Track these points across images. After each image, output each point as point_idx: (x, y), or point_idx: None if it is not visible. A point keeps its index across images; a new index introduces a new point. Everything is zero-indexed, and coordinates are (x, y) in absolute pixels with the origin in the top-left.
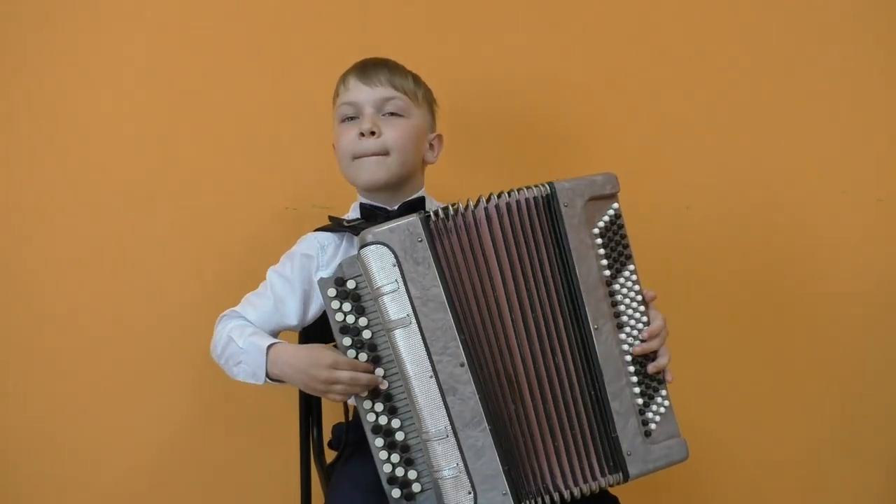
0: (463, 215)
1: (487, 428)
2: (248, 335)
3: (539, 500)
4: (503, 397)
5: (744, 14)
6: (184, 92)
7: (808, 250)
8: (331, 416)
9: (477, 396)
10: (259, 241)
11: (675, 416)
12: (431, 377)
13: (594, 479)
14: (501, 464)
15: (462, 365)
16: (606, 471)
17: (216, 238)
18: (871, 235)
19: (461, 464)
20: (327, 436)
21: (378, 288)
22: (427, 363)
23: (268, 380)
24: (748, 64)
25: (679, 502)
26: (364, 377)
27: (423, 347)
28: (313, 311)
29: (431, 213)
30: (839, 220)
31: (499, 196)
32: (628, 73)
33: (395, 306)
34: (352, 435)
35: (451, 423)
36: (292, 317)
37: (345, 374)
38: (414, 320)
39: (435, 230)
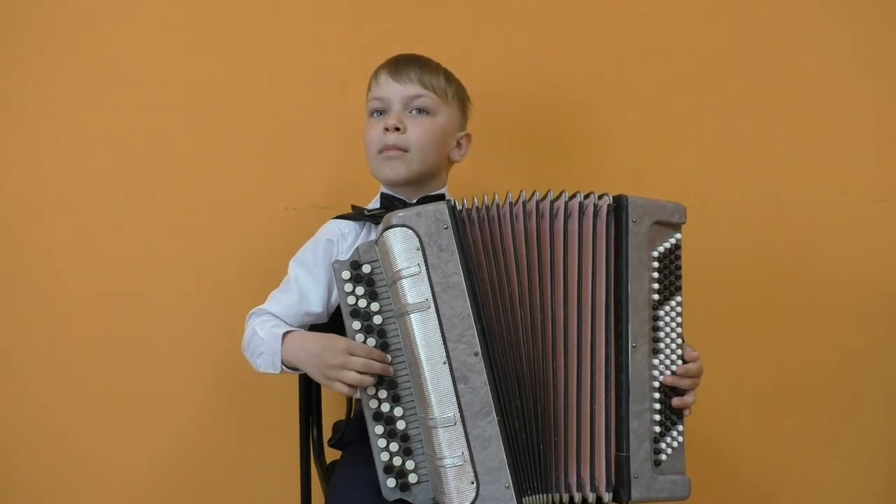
0: (488, 209)
1: (496, 419)
2: (270, 327)
3: (541, 497)
4: (512, 391)
5: (744, 15)
6: (184, 92)
7: (808, 250)
8: (331, 416)
9: (488, 386)
10: (259, 242)
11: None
12: (445, 363)
13: (594, 490)
14: (507, 456)
15: (476, 354)
16: (610, 486)
17: (216, 238)
18: (871, 235)
19: (466, 453)
20: (327, 435)
21: (398, 271)
22: (441, 349)
23: (284, 368)
24: (748, 64)
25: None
26: (377, 365)
27: (438, 333)
28: (336, 297)
29: (457, 203)
30: (839, 220)
31: (558, 196)
32: (629, 74)
33: (414, 290)
34: (353, 433)
35: (460, 411)
36: (317, 304)
37: (358, 361)
38: (432, 305)
39: (461, 219)
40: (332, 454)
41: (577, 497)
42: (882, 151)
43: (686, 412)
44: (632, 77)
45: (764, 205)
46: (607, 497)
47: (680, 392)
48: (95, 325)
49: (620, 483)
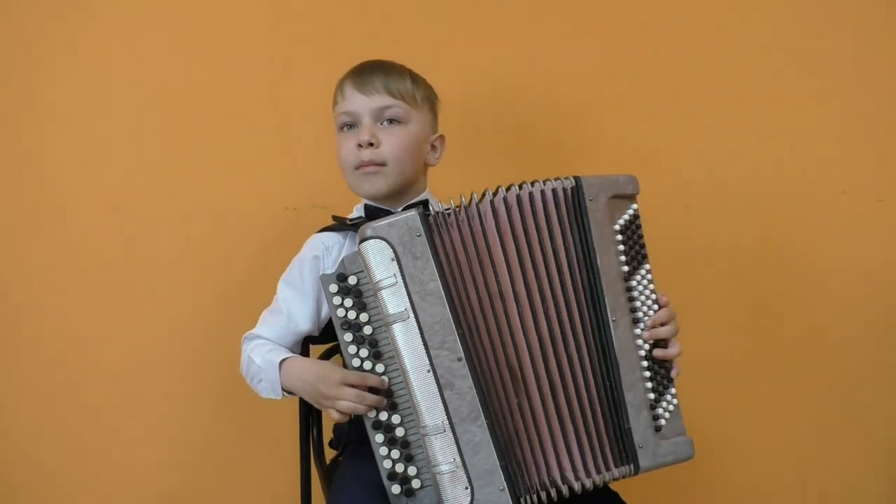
0: (467, 209)
1: (485, 423)
2: (265, 353)
3: (540, 494)
4: (504, 391)
5: (744, 14)
6: (183, 92)
7: (808, 250)
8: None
9: (474, 391)
10: (259, 242)
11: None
12: (429, 371)
13: (606, 470)
14: (499, 459)
15: (459, 359)
16: (619, 462)
17: (216, 238)
18: (871, 235)
19: (458, 458)
20: (327, 436)
21: (377, 282)
22: (425, 357)
23: (285, 393)
24: (748, 63)
25: (678, 500)
26: (371, 398)
27: (420, 342)
28: (325, 313)
29: (431, 209)
30: (839, 220)
31: (520, 186)
32: (628, 72)
33: (393, 300)
34: (353, 434)
35: (449, 418)
36: (305, 323)
37: (350, 392)
38: (412, 314)
39: (434, 224)
40: (332, 454)
41: (584, 484)
42: (882, 151)
43: (675, 371)
44: (630, 77)
45: (764, 204)
46: (618, 473)
47: (664, 346)
48: (95, 325)
49: (628, 456)
